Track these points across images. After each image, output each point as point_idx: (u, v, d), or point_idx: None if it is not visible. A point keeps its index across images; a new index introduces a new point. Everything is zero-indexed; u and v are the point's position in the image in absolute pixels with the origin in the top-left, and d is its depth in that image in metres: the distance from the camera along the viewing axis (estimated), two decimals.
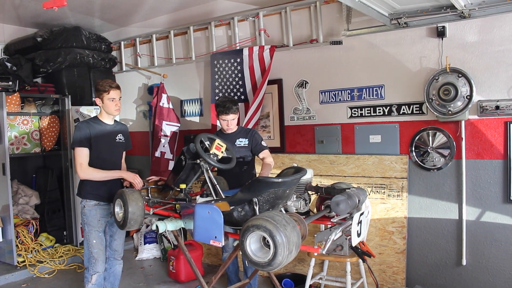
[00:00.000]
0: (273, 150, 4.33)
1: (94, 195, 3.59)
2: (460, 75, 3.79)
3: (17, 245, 5.26)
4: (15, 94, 5.50)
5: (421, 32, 4.05)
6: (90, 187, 3.58)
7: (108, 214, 3.66)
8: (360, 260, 3.90)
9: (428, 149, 4.09)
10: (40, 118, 5.92)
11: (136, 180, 3.57)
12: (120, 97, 3.66)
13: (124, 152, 3.92)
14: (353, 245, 3.04)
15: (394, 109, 4.26)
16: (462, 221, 3.94)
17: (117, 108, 3.65)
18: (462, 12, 3.64)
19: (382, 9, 3.82)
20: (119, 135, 3.75)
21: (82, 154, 3.50)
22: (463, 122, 3.88)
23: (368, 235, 4.07)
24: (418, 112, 4.14)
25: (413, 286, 4.20)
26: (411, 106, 4.17)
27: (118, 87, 3.64)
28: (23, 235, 5.43)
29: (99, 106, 3.67)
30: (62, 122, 5.94)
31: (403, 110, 4.21)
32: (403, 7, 3.82)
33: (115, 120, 3.79)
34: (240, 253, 3.04)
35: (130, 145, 3.95)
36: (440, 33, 3.89)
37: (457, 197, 3.98)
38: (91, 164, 3.54)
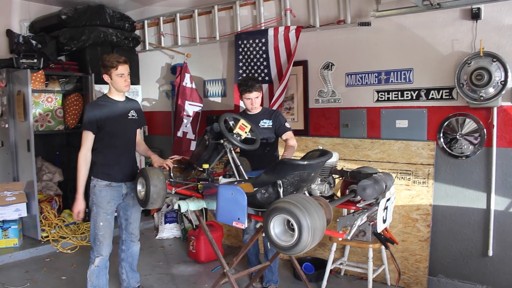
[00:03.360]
0: (296, 133, 4.27)
1: (106, 175, 3.50)
2: (494, 60, 3.64)
3: (41, 221, 5.35)
4: (40, 71, 5.53)
5: (454, 13, 3.89)
6: (102, 166, 3.49)
7: (120, 195, 3.58)
8: (383, 247, 3.85)
9: (457, 136, 3.96)
10: (64, 96, 5.95)
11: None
12: (129, 72, 3.50)
13: (140, 130, 3.81)
14: (378, 231, 2.97)
15: (422, 93, 4.13)
16: (490, 210, 3.83)
17: (126, 84, 3.48)
18: None
19: None
20: (131, 111, 3.61)
21: (85, 138, 3.41)
22: (495, 109, 3.74)
23: (391, 222, 4.00)
24: (447, 97, 4.01)
25: (436, 275, 4.13)
26: (441, 91, 4.04)
27: (126, 62, 3.46)
28: (47, 211, 5.52)
29: (108, 83, 3.51)
30: (85, 100, 5.95)
31: (432, 95, 4.09)
32: None
33: (126, 97, 3.64)
34: (262, 235, 3.02)
35: (144, 121, 3.83)
36: (475, 15, 3.73)
37: (486, 186, 3.86)
38: (104, 143, 3.46)
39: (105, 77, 3.46)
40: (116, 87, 3.48)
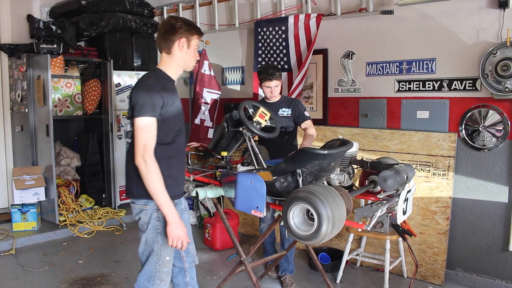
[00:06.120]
0: (315, 122, 4.21)
1: (172, 189, 2.40)
2: None
3: (58, 205, 5.41)
4: (59, 57, 5.56)
5: (481, 2, 3.78)
6: (166, 178, 2.33)
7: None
8: (400, 239, 3.80)
9: (479, 128, 3.88)
10: (82, 81, 5.98)
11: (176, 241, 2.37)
12: None
13: None
14: (398, 223, 2.93)
15: (445, 84, 4.04)
16: (511, 204, 3.76)
17: (195, 63, 2.54)
18: None
19: None
20: (179, 99, 2.51)
21: (146, 131, 2.24)
22: None
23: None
24: (470, 88, 3.92)
25: (453, 268, 4.08)
26: (464, 82, 3.95)
27: None
28: (65, 195, 5.58)
29: (171, 54, 2.40)
30: (104, 86, 5.98)
31: (455, 85, 4.00)
32: None
33: None
34: (279, 224, 3.00)
35: None
36: (502, 4, 3.61)
37: (508, 179, 3.78)
38: (167, 143, 2.37)
39: (182, 41, 2.37)
40: (187, 61, 2.45)
